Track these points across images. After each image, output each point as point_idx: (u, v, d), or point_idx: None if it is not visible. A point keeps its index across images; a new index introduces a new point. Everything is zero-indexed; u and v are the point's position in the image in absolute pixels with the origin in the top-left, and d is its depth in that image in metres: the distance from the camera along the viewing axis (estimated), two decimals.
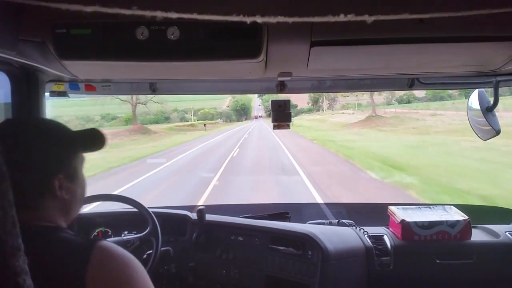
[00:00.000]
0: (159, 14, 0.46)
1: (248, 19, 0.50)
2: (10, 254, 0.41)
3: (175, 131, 37.15)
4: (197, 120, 62.35)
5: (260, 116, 69.58)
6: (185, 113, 62.56)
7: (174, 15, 0.47)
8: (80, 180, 0.81)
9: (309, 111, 61.91)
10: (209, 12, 0.49)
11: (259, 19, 0.51)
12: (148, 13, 0.46)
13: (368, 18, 0.56)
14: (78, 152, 0.81)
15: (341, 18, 0.52)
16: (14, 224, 0.42)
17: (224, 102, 71.13)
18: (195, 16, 0.48)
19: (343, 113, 50.45)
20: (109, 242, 0.72)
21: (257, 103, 74.53)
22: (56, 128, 0.80)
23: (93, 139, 0.83)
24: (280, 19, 0.51)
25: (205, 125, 43.76)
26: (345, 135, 22.62)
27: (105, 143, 0.83)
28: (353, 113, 47.33)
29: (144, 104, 33.91)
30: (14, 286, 0.41)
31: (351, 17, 0.53)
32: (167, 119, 56.41)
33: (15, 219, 0.43)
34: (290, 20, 0.52)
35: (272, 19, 0.51)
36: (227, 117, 68.45)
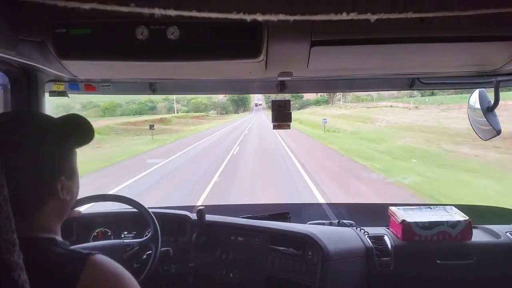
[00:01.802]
0: (158, 11, 0.46)
1: (249, 17, 0.50)
2: (5, 249, 0.41)
3: (117, 132, 24.63)
4: (187, 112, 52.14)
5: (260, 104, 66.75)
6: (176, 103, 55.60)
7: (174, 13, 0.46)
8: (77, 177, 0.76)
9: (316, 102, 52.95)
10: (209, 10, 0.48)
11: (259, 17, 0.50)
12: (147, 11, 0.45)
13: (368, 17, 0.55)
14: (73, 147, 0.75)
15: (341, 17, 0.52)
16: (9, 219, 0.42)
17: None
18: (195, 13, 0.48)
19: (391, 106, 31.85)
20: (103, 257, 0.67)
21: None
22: (49, 123, 0.73)
23: (83, 130, 0.76)
24: (281, 17, 0.51)
25: (151, 126, 25.56)
26: None
27: (94, 133, 0.77)
28: (416, 106, 29.05)
29: None
30: (8, 281, 0.40)
31: (351, 16, 0.53)
32: (152, 109, 48.98)
33: (10, 214, 0.42)
34: (290, 18, 0.51)
35: (273, 17, 0.50)
36: (222, 108, 61.61)
